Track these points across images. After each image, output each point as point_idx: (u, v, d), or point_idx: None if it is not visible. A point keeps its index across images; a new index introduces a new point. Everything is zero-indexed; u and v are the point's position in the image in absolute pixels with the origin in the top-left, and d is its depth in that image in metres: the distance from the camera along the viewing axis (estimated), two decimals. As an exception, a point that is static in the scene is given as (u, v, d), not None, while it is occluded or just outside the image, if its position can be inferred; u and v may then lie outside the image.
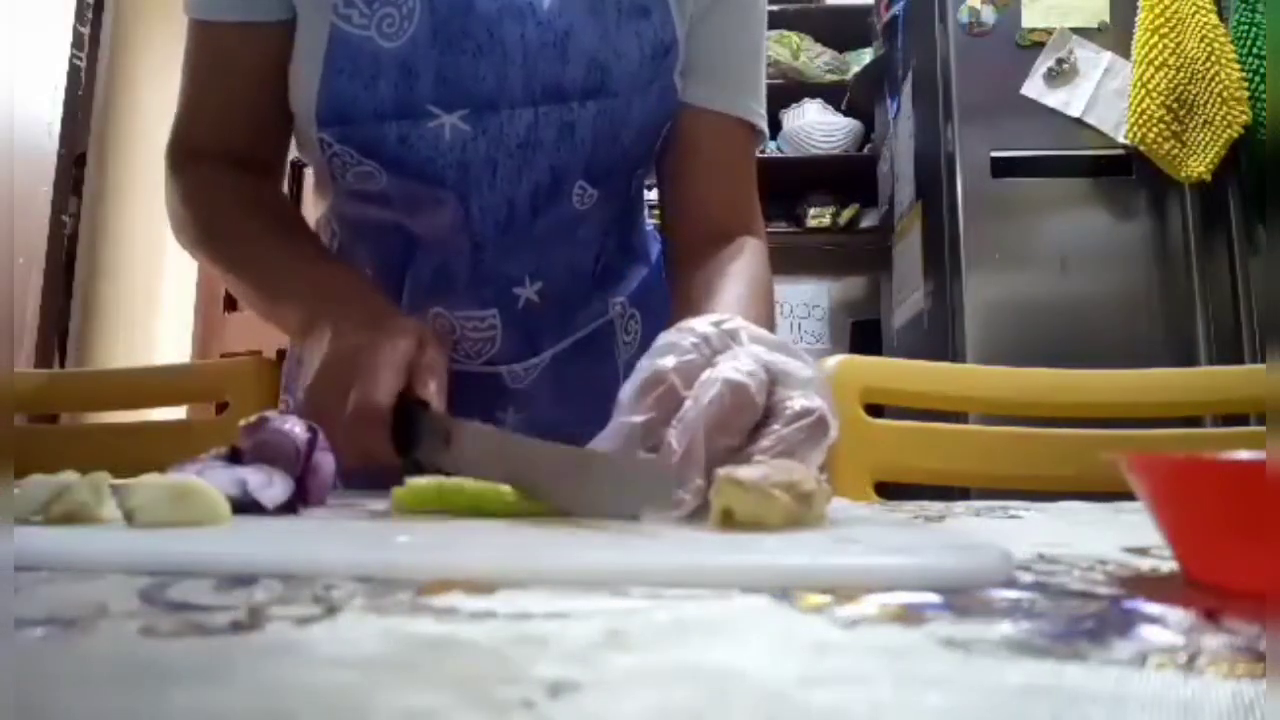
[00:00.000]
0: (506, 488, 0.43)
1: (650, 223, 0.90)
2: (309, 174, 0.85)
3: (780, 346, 0.48)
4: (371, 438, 0.54)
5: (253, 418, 0.48)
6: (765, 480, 0.37)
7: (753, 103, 0.79)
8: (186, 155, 0.76)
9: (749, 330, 0.49)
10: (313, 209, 0.84)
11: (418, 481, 0.44)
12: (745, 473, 0.37)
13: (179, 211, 0.76)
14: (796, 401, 0.45)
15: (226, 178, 0.74)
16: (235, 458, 0.47)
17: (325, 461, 0.48)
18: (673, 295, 0.79)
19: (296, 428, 0.47)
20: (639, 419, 0.46)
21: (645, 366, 0.48)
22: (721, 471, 0.38)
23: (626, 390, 0.48)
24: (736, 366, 0.45)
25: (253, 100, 0.73)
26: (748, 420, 0.45)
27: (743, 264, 0.73)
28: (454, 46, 0.68)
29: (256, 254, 0.71)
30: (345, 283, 0.68)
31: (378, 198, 0.73)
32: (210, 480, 0.40)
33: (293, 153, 0.80)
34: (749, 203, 0.81)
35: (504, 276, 0.75)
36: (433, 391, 0.57)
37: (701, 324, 0.50)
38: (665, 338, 0.49)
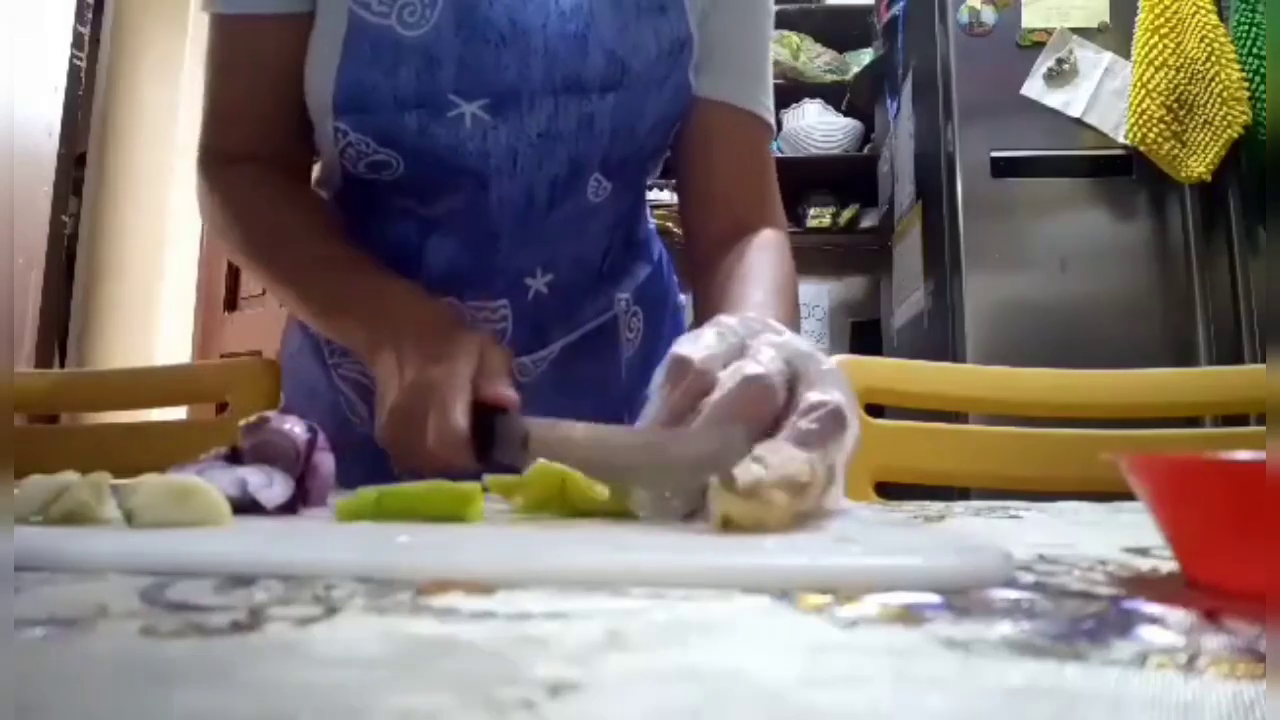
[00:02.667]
0: (448, 486, 0.43)
1: (652, 222, 0.90)
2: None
3: (801, 344, 0.48)
4: (457, 460, 0.57)
5: (253, 417, 0.48)
6: (759, 483, 0.37)
7: (763, 96, 0.79)
8: (219, 159, 0.76)
9: (773, 326, 0.49)
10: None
11: (363, 490, 0.43)
12: (740, 476, 0.37)
13: (218, 218, 0.75)
14: (812, 395, 0.45)
15: (264, 182, 0.74)
16: (235, 458, 0.47)
17: (325, 461, 0.48)
18: (695, 292, 0.79)
19: (296, 428, 0.47)
20: (664, 408, 0.46)
21: (671, 354, 0.48)
22: (714, 480, 0.38)
23: (656, 378, 0.48)
24: (758, 359, 0.45)
25: (281, 96, 0.72)
26: (766, 413, 0.45)
27: (763, 260, 0.73)
28: (477, 36, 0.68)
29: (303, 266, 0.71)
30: (401, 299, 0.68)
31: (391, 187, 0.73)
32: (210, 480, 0.40)
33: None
34: (767, 195, 0.81)
35: (516, 267, 0.75)
36: (501, 396, 0.59)
37: (728, 318, 0.50)
38: (690, 332, 0.50)
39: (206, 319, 3.23)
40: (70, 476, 0.39)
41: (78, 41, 2.66)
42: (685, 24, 0.73)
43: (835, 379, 0.46)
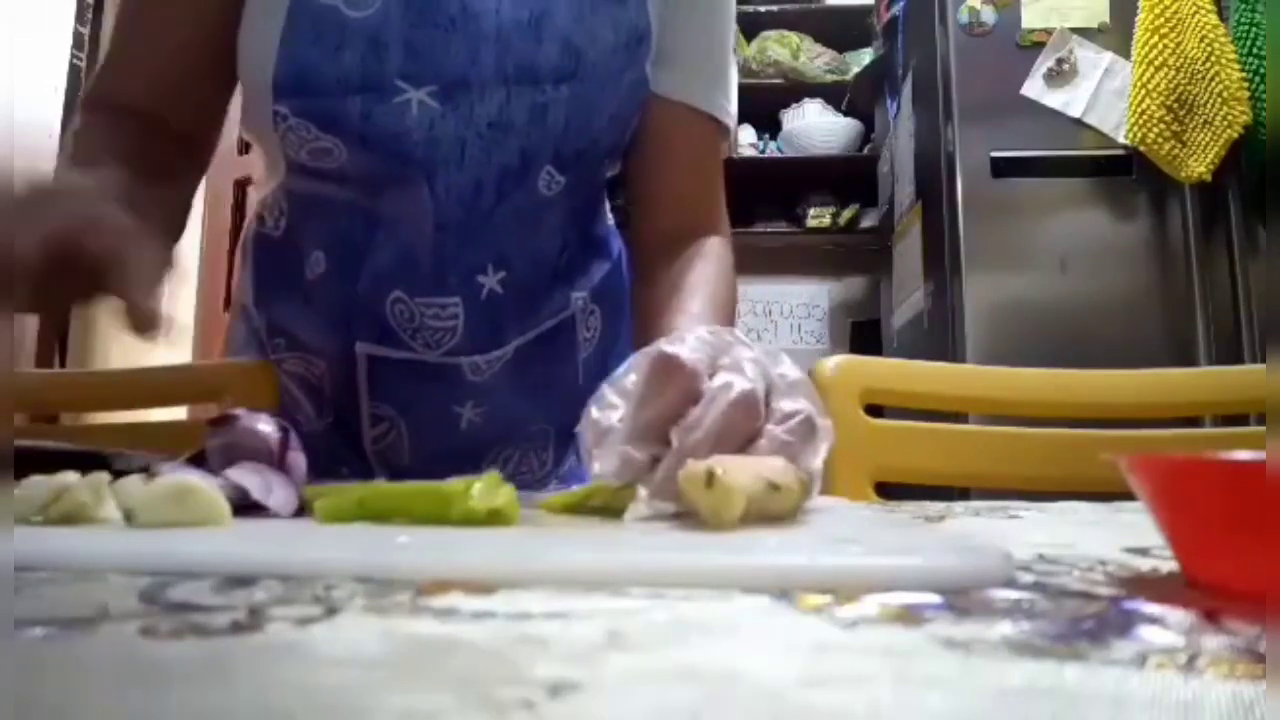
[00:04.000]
0: (432, 487, 0.42)
1: (610, 219, 0.89)
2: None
3: (770, 354, 0.48)
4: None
5: (219, 415, 0.45)
6: (714, 474, 0.37)
7: (722, 99, 0.78)
8: (98, 104, 0.73)
9: (741, 340, 0.49)
10: (254, 191, 0.82)
11: (340, 487, 0.43)
12: (695, 467, 0.37)
13: (63, 154, 0.73)
14: (786, 404, 0.44)
15: (121, 131, 0.70)
16: (199, 462, 0.44)
17: (298, 462, 0.46)
18: (635, 295, 0.78)
19: (267, 426, 0.45)
20: (651, 406, 0.44)
21: (660, 353, 0.45)
22: (682, 472, 0.38)
23: (634, 374, 0.47)
24: (747, 375, 0.44)
25: (183, 62, 0.71)
26: (751, 428, 0.44)
27: (707, 269, 0.72)
28: (426, 20, 0.66)
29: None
30: (95, 173, 0.60)
31: (334, 175, 0.70)
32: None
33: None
34: (715, 201, 0.80)
35: (467, 263, 0.73)
36: (110, 249, 0.46)
37: (702, 329, 0.49)
38: (669, 337, 0.48)
39: (206, 319, 3.23)
40: (70, 476, 0.39)
41: (78, 41, 2.66)
42: (645, 18, 0.72)
43: (803, 388, 0.46)
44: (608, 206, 0.88)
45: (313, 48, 0.65)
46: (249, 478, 0.42)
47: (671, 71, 0.75)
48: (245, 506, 0.42)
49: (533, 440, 0.81)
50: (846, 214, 3.29)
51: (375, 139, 0.67)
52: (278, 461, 0.45)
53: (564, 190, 0.74)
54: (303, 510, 0.44)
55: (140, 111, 0.71)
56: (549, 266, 0.78)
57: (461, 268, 0.73)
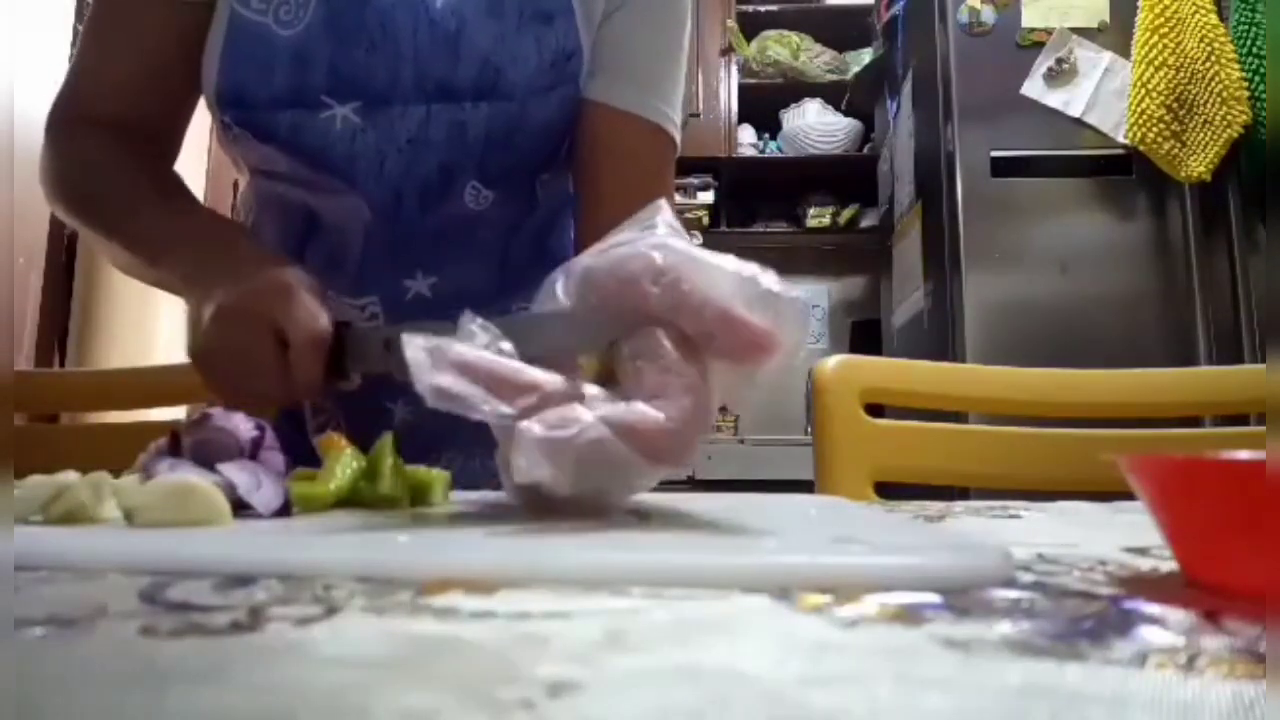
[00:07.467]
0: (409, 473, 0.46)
1: None
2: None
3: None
4: (313, 369, 0.56)
5: (195, 415, 0.46)
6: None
7: (663, 105, 0.77)
8: (73, 121, 0.76)
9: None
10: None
11: (306, 472, 0.44)
12: None
13: (55, 178, 0.75)
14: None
15: (111, 146, 0.74)
16: (176, 449, 0.44)
17: (274, 460, 0.45)
18: None
19: (242, 425, 0.45)
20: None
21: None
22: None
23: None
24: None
25: (152, 72, 0.73)
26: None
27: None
28: (347, 39, 0.68)
29: (132, 215, 0.71)
30: (226, 231, 0.69)
31: (284, 176, 0.74)
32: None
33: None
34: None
35: (391, 268, 0.75)
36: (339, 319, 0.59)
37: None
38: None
39: (206, 319, 3.23)
40: (70, 476, 0.39)
41: (78, 41, 2.66)
42: (575, 35, 0.72)
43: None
44: (571, 220, 0.87)
45: (246, 64, 0.68)
46: (239, 474, 0.42)
47: (608, 76, 0.75)
48: (238, 503, 0.41)
49: (475, 444, 0.81)
50: (846, 214, 3.30)
51: (304, 150, 0.70)
52: (250, 460, 0.44)
53: (494, 204, 0.75)
54: (288, 507, 0.43)
55: (119, 119, 0.74)
56: (489, 277, 0.78)
57: (386, 271, 0.75)
